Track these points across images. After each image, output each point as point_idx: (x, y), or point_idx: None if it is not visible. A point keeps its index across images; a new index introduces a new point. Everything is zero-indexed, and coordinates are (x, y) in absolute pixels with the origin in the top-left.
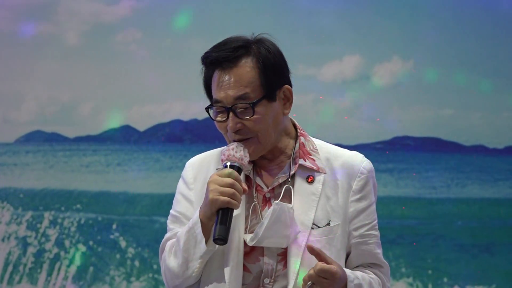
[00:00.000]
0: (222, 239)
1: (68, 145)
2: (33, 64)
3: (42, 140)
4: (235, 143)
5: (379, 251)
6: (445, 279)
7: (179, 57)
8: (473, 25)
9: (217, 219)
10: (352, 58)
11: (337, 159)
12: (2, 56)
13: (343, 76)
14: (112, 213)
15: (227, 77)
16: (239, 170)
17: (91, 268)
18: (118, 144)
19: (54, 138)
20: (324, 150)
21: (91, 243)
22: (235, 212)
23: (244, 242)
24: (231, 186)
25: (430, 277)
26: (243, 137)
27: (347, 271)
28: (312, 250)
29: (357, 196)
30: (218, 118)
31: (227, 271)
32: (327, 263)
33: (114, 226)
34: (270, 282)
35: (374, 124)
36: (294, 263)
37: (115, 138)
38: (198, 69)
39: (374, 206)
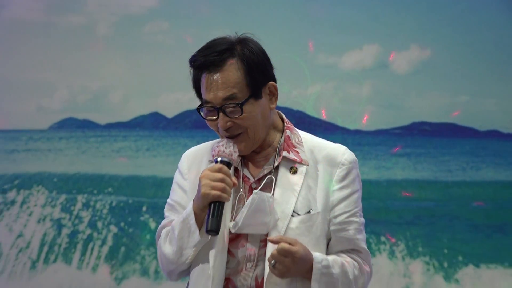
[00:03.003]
0: (214, 230)
1: (100, 132)
2: (65, 54)
3: (75, 126)
4: (225, 139)
5: (360, 237)
6: (460, 258)
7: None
8: (489, 14)
9: (209, 212)
10: (371, 46)
11: (321, 151)
12: (35, 47)
13: (362, 65)
14: (142, 196)
15: (214, 79)
16: (228, 164)
17: (123, 248)
18: (148, 130)
19: (86, 125)
20: (309, 142)
21: (122, 224)
22: None
23: (230, 229)
24: (221, 180)
25: (445, 256)
26: (233, 134)
27: (316, 253)
28: (272, 242)
29: (339, 186)
30: (209, 117)
31: (211, 255)
32: (290, 244)
33: (144, 208)
34: (252, 266)
35: (393, 110)
36: (273, 248)
37: (144, 125)
38: None
39: (357, 195)
